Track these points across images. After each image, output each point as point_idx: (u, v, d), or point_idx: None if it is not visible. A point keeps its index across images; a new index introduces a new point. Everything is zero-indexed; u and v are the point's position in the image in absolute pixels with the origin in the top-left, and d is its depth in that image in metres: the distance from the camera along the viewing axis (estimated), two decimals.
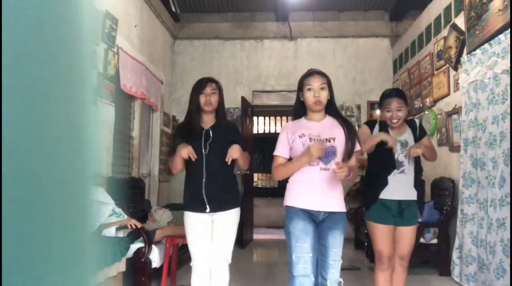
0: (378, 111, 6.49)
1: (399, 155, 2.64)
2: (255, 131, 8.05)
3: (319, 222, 2.22)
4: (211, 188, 2.52)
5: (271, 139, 8.44)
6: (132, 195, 4.35)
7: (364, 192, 2.89)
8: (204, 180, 2.52)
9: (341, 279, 2.21)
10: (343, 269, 2.28)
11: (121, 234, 3.26)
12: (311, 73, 2.32)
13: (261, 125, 10.02)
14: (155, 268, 3.42)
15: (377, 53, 6.89)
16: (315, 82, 2.26)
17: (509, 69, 3.22)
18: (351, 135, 2.27)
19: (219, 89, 2.68)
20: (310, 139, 2.21)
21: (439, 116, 4.88)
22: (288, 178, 2.32)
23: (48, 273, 0.32)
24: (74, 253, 0.34)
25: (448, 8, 4.63)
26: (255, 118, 8.32)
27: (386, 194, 2.59)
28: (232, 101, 6.26)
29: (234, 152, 2.50)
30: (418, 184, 2.66)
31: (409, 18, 6.47)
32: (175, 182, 6.50)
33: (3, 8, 0.29)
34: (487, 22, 3.72)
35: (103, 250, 2.68)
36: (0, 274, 0.28)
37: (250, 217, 6.51)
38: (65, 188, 0.34)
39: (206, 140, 2.56)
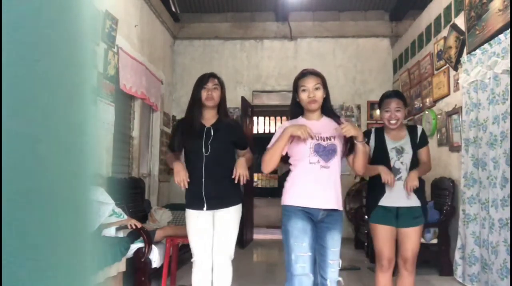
0: (378, 112, 6.51)
1: (395, 162, 2.64)
2: (255, 131, 8.06)
3: (317, 221, 2.21)
4: (211, 188, 2.53)
5: (270, 139, 8.41)
6: (132, 195, 4.35)
7: (366, 199, 2.92)
8: (203, 180, 2.53)
9: (340, 278, 2.21)
10: (343, 269, 2.28)
11: (121, 234, 3.25)
12: (304, 74, 2.32)
13: (261, 125, 10.02)
14: (155, 268, 3.42)
15: (377, 53, 6.89)
16: (309, 83, 2.27)
17: (509, 69, 3.22)
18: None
19: (221, 85, 2.67)
20: (311, 137, 2.21)
21: (439, 116, 4.88)
22: (287, 176, 2.32)
23: (48, 273, 0.32)
24: (74, 253, 0.34)
25: (448, 8, 4.63)
26: (255, 118, 8.32)
27: (385, 201, 2.61)
28: (232, 101, 6.24)
29: (240, 169, 2.52)
30: (418, 189, 2.64)
31: (409, 18, 6.47)
32: (175, 182, 6.49)
33: (3, 8, 0.29)
34: (487, 22, 3.72)
35: (103, 250, 2.68)
36: (0, 274, 0.28)
37: (250, 217, 6.51)
38: (65, 188, 0.34)
39: (207, 139, 2.56)
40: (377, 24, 6.91)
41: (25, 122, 0.30)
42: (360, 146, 2.24)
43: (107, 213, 3.19)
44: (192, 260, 2.59)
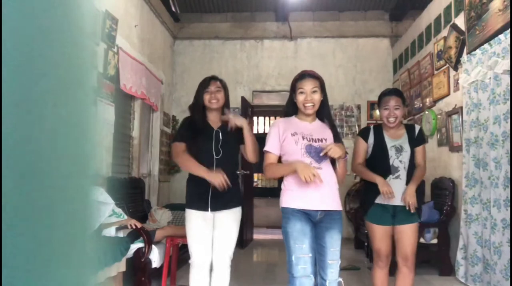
0: (378, 112, 6.49)
1: (394, 160, 2.64)
2: (255, 131, 8.06)
3: (316, 221, 2.21)
4: (218, 190, 2.51)
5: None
6: (132, 195, 4.35)
7: (363, 196, 2.91)
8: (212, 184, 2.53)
9: (340, 279, 2.21)
10: (343, 269, 2.28)
11: (121, 234, 3.25)
12: (303, 76, 2.31)
13: (261, 125, 10.02)
14: (155, 268, 3.42)
15: (377, 53, 6.89)
16: (307, 86, 2.26)
17: (510, 69, 3.22)
18: (336, 141, 2.29)
19: (224, 87, 2.66)
20: (303, 138, 2.22)
21: (439, 116, 4.88)
22: (283, 178, 2.33)
23: (48, 273, 0.32)
24: (74, 253, 0.34)
25: (448, 8, 4.63)
26: (255, 118, 8.32)
27: (382, 199, 2.61)
28: (232, 101, 6.17)
29: (238, 120, 2.51)
30: (416, 190, 2.65)
31: (409, 18, 6.47)
32: (175, 182, 6.50)
33: (3, 8, 0.29)
34: (487, 22, 3.72)
35: (103, 250, 2.68)
36: (0, 274, 0.28)
37: (250, 217, 6.51)
38: (65, 188, 0.34)
39: (216, 143, 2.55)
40: (377, 24, 6.91)
41: (24, 122, 0.30)
42: (342, 162, 2.28)
43: (107, 213, 3.19)
44: (190, 261, 2.56)
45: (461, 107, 4.21)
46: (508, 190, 3.21)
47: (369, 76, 6.86)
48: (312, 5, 6.68)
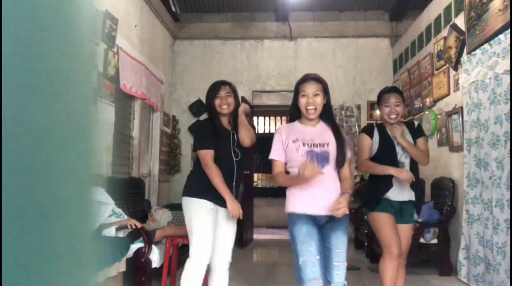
0: (378, 112, 6.51)
1: (401, 156, 2.66)
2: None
3: (322, 224, 2.21)
4: (235, 191, 2.55)
5: (271, 139, 8.41)
6: (132, 195, 4.35)
7: (367, 192, 2.87)
8: (234, 184, 2.56)
9: (345, 282, 2.17)
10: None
11: (121, 234, 3.25)
12: (305, 79, 2.30)
13: (261, 125, 10.02)
14: (155, 268, 3.42)
15: (377, 53, 6.89)
16: (309, 89, 2.25)
17: (510, 69, 3.22)
18: (340, 143, 2.25)
19: (234, 92, 2.64)
20: (304, 144, 2.21)
21: (439, 116, 4.88)
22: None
23: (48, 273, 0.32)
24: (74, 253, 0.34)
25: (448, 8, 4.63)
26: (255, 118, 8.32)
27: (389, 195, 2.62)
28: None
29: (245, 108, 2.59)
30: (417, 184, 2.67)
31: (409, 18, 6.47)
32: (175, 182, 6.50)
33: (3, 8, 0.29)
34: (487, 22, 3.72)
35: (103, 250, 2.68)
36: (0, 274, 0.28)
37: (250, 217, 6.51)
38: (65, 188, 0.34)
39: (233, 145, 2.58)
40: (377, 24, 6.91)
41: (24, 122, 0.30)
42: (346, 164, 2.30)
43: (107, 213, 3.19)
44: (191, 255, 2.44)
45: (461, 107, 4.21)
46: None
47: (369, 76, 6.86)
48: (312, 5, 6.68)
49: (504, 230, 3.27)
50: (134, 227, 3.25)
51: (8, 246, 0.28)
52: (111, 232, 3.17)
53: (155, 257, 3.41)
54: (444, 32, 4.70)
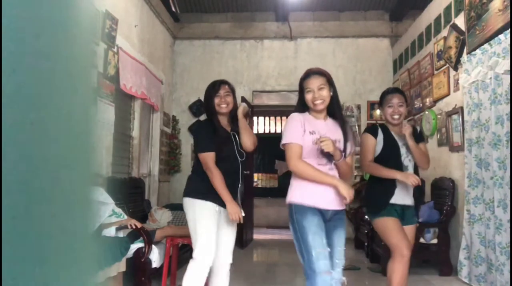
0: (378, 112, 6.52)
1: (405, 159, 2.65)
2: (255, 132, 8.05)
3: (326, 220, 2.19)
4: (240, 192, 2.56)
5: (271, 139, 8.46)
6: (132, 195, 4.35)
7: (370, 196, 2.80)
8: (239, 185, 2.58)
9: (344, 278, 2.19)
10: (343, 269, 2.27)
11: (121, 234, 3.25)
12: (308, 74, 2.27)
13: (261, 125, 10.02)
14: (155, 268, 3.42)
15: (377, 53, 6.89)
16: (313, 84, 2.22)
17: (510, 69, 3.22)
18: (348, 137, 2.27)
19: (232, 91, 2.63)
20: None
21: (439, 116, 4.88)
22: (290, 174, 2.30)
23: (49, 273, 0.32)
24: (74, 253, 0.34)
25: (448, 8, 4.63)
26: (255, 118, 8.32)
27: (392, 200, 2.59)
28: None
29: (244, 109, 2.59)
30: (417, 187, 2.64)
31: (409, 18, 6.47)
32: (175, 182, 6.51)
33: (3, 8, 0.29)
34: (487, 22, 3.72)
35: (103, 250, 2.68)
36: (0, 274, 0.28)
37: (250, 217, 6.51)
38: (66, 187, 0.34)
39: (236, 145, 2.57)
40: (377, 24, 6.91)
41: (25, 122, 0.30)
42: (342, 164, 2.24)
43: (107, 213, 3.19)
44: (195, 256, 2.42)
45: (461, 107, 4.21)
46: None
47: (369, 76, 6.86)
48: (312, 5, 6.68)
49: (507, 230, 3.26)
50: (134, 227, 3.25)
51: (8, 246, 0.28)
52: (111, 232, 3.17)
53: (155, 257, 3.41)
54: (444, 32, 4.70)
